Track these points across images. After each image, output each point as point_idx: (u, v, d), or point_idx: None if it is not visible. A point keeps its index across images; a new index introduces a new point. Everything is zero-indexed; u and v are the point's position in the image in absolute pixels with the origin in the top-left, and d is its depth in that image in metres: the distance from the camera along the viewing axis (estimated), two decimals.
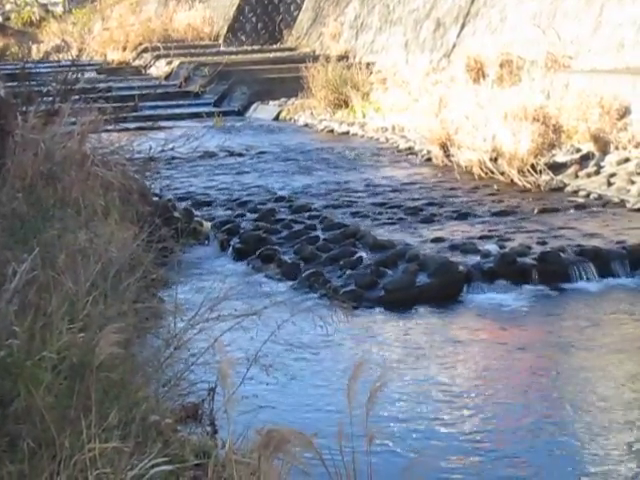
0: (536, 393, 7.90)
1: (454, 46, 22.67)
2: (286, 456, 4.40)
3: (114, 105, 14.19)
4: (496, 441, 6.95)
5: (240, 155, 19.02)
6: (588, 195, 13.76)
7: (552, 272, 10.60)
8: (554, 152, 15.09)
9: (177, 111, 24.92)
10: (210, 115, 22.30)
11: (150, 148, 12.68)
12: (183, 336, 6.39)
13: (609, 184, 13.94)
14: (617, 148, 14.78)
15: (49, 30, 45.18)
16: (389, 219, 13.00)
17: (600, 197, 13.56)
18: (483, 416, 7.40)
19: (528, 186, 14.53)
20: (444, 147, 16.38)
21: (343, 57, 26.49)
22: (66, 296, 5.59)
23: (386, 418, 7.15)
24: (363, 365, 4.54)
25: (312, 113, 23.54)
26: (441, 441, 6.97)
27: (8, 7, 52.64)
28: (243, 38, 34.94)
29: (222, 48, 34.26)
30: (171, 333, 6.50)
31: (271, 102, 25.57)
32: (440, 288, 10.32)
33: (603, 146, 14.86)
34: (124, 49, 36.75)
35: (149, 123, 17.37)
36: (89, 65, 26.34)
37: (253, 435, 4.62)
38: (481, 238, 11.72)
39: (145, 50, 35.22)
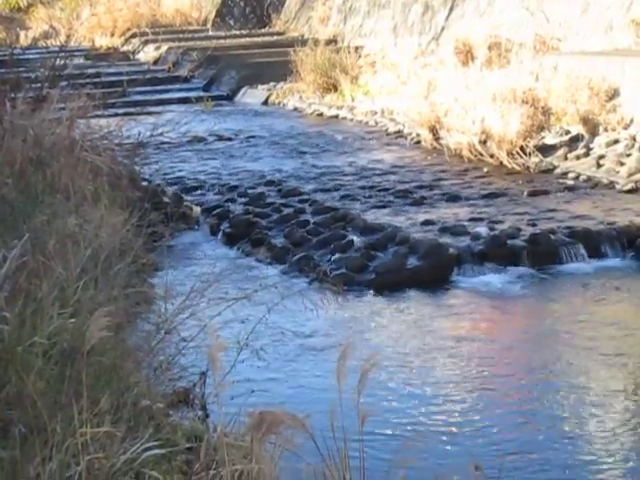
0: (525, 375, 7.93)
1: (443, 29, 22.64)
2: (278, 438, 4.41)
3: (103, 90, 14.14)
4: (485, 422, 6.98)
5: (229, 140, 18.98)
6: (577, 177, 13.78)
7: (542, 254, 10.62)
8: (543, 134, 15.09)
9: (166, 96, 24.83)
10: (199, 100, 22.21)
11: (139, 133, 12.66)
12: (174, 320, 6.40)
13: (598, 166, 13.95)
14: (606, 130, 14.78)
15: (37, 16, 44.95)
16: (379, 202, 13.00)
17: (589, 179, 13.57)
18: (471, 396, 7.43)
19: (517, 168, 14.54)
20: (433, 130, 16.38)
21: (332, 41, 26.44)
22: (56, 282, 5.59)
23: (376, 399, 7.17)
24: (352, 346, 4.55)
25: (301, 97, 23.49)
26: (430, 422, 7.00)
27: None
28: (231, 22, 34.84)
29: (210, 33, 34.17)
30: (162, 318, 6.50)
31: (260, 86, 25.50)
32: (430, 271, 10.34)
33: (592, 128, 14.87)
34: (112, 35, 36.64)
35: (138, 108, 17.34)
36: (77, 51, 26.15)
37: (245, 418, 4.64)
38: (471, 220, 11.74)
39: (133, 35, 35.08)
